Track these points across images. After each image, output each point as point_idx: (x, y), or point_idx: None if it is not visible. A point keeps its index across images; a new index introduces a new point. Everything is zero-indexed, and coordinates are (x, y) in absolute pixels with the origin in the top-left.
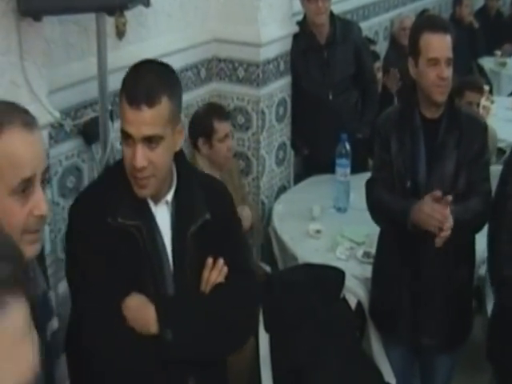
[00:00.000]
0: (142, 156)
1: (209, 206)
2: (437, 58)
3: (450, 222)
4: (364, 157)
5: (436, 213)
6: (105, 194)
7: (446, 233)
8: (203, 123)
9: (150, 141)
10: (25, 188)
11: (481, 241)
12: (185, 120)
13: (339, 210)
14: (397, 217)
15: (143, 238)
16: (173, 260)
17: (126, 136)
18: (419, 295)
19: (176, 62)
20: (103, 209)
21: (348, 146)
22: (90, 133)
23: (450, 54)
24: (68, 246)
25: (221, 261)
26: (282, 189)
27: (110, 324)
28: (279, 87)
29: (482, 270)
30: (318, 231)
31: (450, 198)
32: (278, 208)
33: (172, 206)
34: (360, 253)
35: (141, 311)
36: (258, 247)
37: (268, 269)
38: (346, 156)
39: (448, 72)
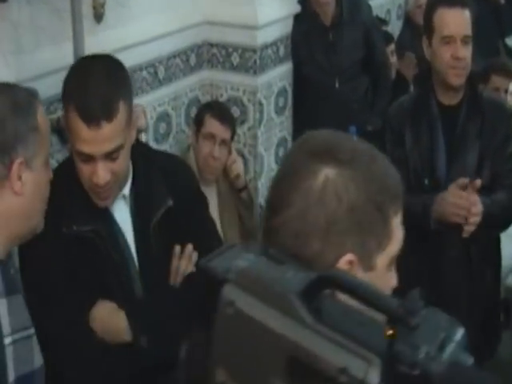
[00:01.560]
0: (104, 172)
1: (170, 191)
2: (452, 35)
3: (478, 207)
4: None
5: (462, 200)
6: (54, 203)
7: (476, 218)
8: (198, 111)
9: (112, 154)
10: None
11: (508, 246)
12: (172, 113)
13: None
14: (417, 215)
15: (104, 241)
16: (137, 258)
17: (83, 156)
18: (439, 304)
19: (162, 48)
20: (55, 219)
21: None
22: (65, 130)
23: (467, 31)
24: (24, 273)
25: (189, 247)
26: None
27: (81, 343)
28: (279, 75)
29: (510, 279)
30: None
31: (478, 182)
32: None
33: (130, 199)
34: None
35: (110, 320)
36: None
37: None
38: None
39: (465, 52)
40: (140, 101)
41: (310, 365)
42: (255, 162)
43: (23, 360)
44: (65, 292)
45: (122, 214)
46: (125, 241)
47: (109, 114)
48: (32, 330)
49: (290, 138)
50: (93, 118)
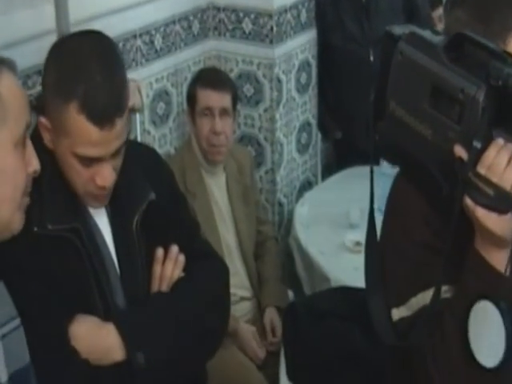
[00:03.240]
0: (111, 173)
1: (149, 180)
2: None
3: None
4: None
5: None
6: None
7: None
8: (189, 88)
9: (119, 151)
10: None
11: None
12: (172, 90)
13: None
14: None
15: (83, 242)
16: (118, 262)
17: (85, 160)
18: None
19: (159, 13)
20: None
21: None
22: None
23: None
24: None
25: (174, 248)
26: (307, 185)
27: (61, 367)
28: (300, 45)
29: None
30: (358, 243)
31: None
32: (302, 211)
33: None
34: None
35: (96, 336)
36: (274, 264)
37: (290, 294)
38: None
39: None
40: (134, 75)
41: (444, 89)
42: (273, 151)
43: (15, 355)
44: (38, 304)
45: (99, 211)
46: (104, 242)
47: (122, 109)
48: (19, 320)
49: (314, 122)
50: (107, 119)
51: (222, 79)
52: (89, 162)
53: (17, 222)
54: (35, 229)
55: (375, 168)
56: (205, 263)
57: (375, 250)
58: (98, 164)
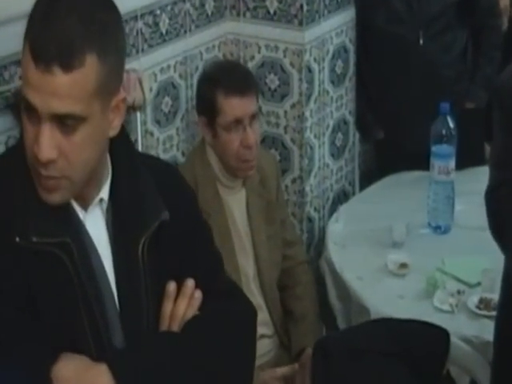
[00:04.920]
0: (48, 142)
1: (165, 201)
2: None
3: None
4: (478, 141)
5: None
6: (4, 202)
7: None
8: (203, 93)
9: (64, 122)
10: None
11: None
12: (180, 83)
13: (437, 229)
14: None
15: (74, 262)
16: (117, 290)
17: (27, 107)
18: None
19: None
20: (4, 225)
21: (452, 123)
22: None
23: None
24: None
25: (190, 283)
26: (342, 196)
27: None
28: (336, 27)
29: None
30: (404, 265)
31: None
32: (336, 228)
33: (109, 207)
34: (474, 301)
35: (84, 380)
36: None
37: (322, 328)
38: (449, 140)
39: None
40: (134, 65)
41: None
42: (302, 155)
43: None
44: (12, 334)
45: (98, 227)
46: (101, 267)
47: (65, 60)
48: None
49: (351, 120)
50: (42, 56)
51: (247, 78)
52: (29, 112)
53: None
54: (17, 239)
55: (425, 175)
56: (226, 303)
57: None
58: (38, 125)
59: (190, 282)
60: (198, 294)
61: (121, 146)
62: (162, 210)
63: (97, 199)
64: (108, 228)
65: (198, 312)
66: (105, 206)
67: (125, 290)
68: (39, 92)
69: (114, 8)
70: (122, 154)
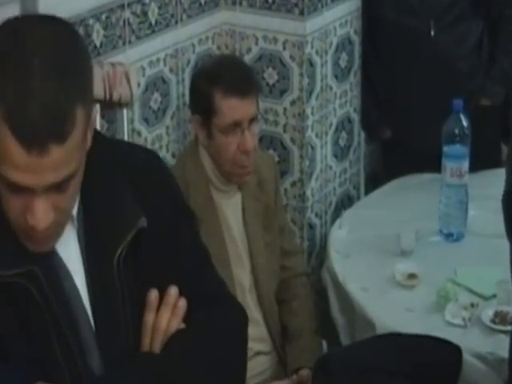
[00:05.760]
0: (46, 212)
1: (142, 205)
2: None
3: None
4: (494, 141)
5: None
6: None
7: None
8: (199, 90)
9: (60, 186)
10: None
11: None
12: (171, 77)
13: (449, 237)
14: None
15: (42, 290)
16: (93, 313)
17: (13, 187)
18: None
19: None
20: None
21: (465, 122)
22: None
23: None
24: None
25: (173, 291)
26: (346, 201)
27: None
28: (340, 17)
29: None
30: (412, 276)
31: None
32: (340, 235)
33: (79, 217)
34: (489, 314)
35: None
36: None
37: (324, 345)
38: (463, 140)
39: None
40: (120, 58)
41: None
42: (302, 156)
43: None
44: None
45: (68, 245)
46: (73, 287)
47: (61, 134)
48: None
49: (356, 118)
50: (37, 142)
51: (249, 77)
52: (18, 190)
53: None
54: None
55: (436, 178)
56: (215, 311)
57: None
58: (31, 196)
59: (172, 290)
60: (183, 303)
61: (93, 149)
62: (139, 216)
63: None
64: (79, 241)
65: (183, 323)
66: (75, 219)
67: (100, 308)
68: (33, 174)
69: (81, 39)
70: (94, 159)
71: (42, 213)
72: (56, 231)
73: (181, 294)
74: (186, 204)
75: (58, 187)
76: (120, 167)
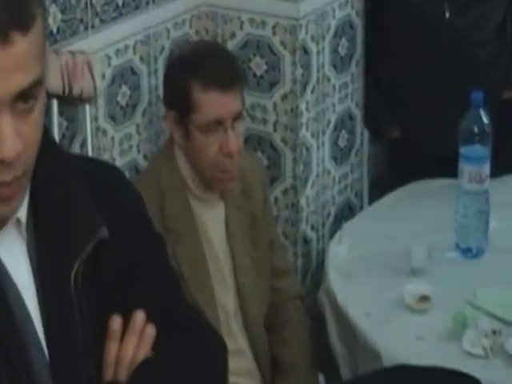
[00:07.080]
0: (13, 134)
1: (103, 214)
2: None
3: None
4: None
5: None
6: None
7: None
8: (174, 82)
9: (25, 98)
10: None
11: None
12: (142, 68)
13: (468, 252)
14: None
15: None
16: (46, 337)
17: None
18: None
19: None
20: None
21: (486, 118)
22: None
23: None
24: None
25: (139, 316)
26: (347, 211)
27: None
28: None
29: None
30: (425, 298)
31: None
32: (339, 251)
33: (30, 228)
34: None
35: None
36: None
37: (321, 379)
38: (483, 139)
39: None
40: (82, 45)
41: None
42: (296, 159)
43: None
44: None
45: (15, 256)
46: (20, 303)
47: (22, 23)
48: None
49: (359, 114)
50: None
51: (232, 67)
52: None
53: None
54: None
55: (452, 183)
56: (187, 337)
57: None
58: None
59: (139, 316)
60: (151, 330)
61: (42, 150)
62: (99, 226)
63: (12, 220)
64: (30, 255)
65: (151, 352)
66: (23, 227)
67: (55, 332)
68: None
69: None
70: (43, 160)
71: (10, 133)
72: (23, 183)
73: (149, 319)
74: (151, 220)
75: (24, 101)
76: (78, 177)
